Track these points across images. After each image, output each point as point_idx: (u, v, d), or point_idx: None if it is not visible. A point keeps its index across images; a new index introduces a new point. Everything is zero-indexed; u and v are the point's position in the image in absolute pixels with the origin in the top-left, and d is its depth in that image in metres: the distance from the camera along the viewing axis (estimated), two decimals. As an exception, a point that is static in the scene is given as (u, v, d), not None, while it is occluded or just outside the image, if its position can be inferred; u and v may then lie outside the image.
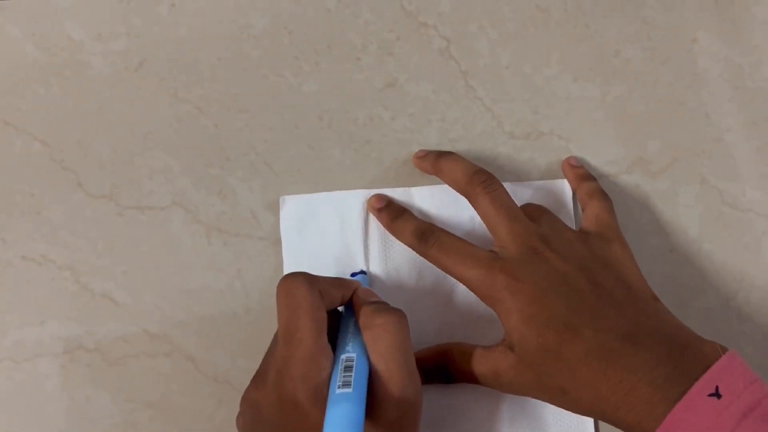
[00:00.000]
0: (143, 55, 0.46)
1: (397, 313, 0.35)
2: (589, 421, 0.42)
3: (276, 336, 0.36)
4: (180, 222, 0.44)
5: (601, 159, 0.46)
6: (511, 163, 0.46)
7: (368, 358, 0.34)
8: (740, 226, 0.45)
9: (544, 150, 0.46)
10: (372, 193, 0.44)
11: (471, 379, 0.40)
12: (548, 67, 0.47)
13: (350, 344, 0.35)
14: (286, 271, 0.44)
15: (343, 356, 0.34)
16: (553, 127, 0.46)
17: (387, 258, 0.44)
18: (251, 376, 0.43)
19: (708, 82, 0.47)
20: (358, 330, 0.36)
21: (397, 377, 0.33)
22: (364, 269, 0.44)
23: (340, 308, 0.39)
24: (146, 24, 0.46)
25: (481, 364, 0.39)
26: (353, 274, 0.43)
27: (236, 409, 0.43)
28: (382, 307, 0.36)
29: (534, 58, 0.47)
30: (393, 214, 0.43)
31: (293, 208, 0.44)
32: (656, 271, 0.44)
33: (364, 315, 0.36)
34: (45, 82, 0.46)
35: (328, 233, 0.44)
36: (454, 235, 0.41)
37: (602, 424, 0.43)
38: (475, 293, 0.39)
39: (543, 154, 0.46)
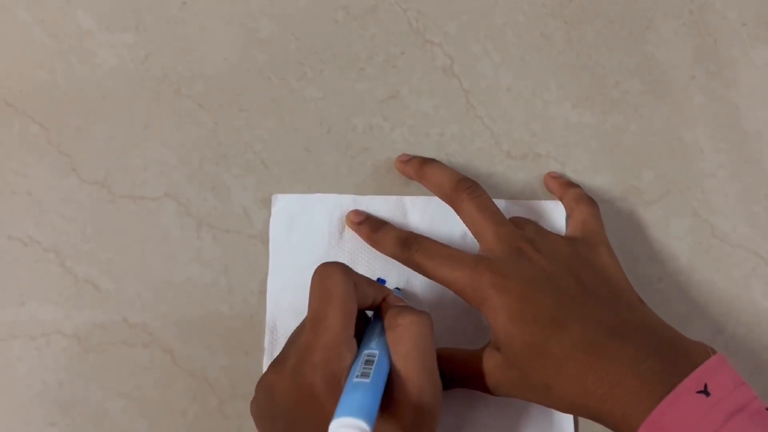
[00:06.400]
0: (150, 49, 0.46)
1: (421, 314, 0.35)
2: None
3: (302, 323, 0.36)
4: (171, 214, 0.44)
5: (595, 184, 0.46)
6: (506, 181, 0.46)
7: (390, 359, 0.34)
8: (730, 261, 0.45)
9: (539, 171, 0.46)
10: (365, 199, 0.44)
11: (458, 383, 0.39)
12: (548, 92, 0.47)
13: (374, 342, 0.34)
14: (272, 267, 0.43)
15: (366, 351, 0.33)
16: (550, 150, 0.46)
17: (373, 264, 0.43)
18: (229, 374, 0.42)
19: (704, 119, 0.47)
20: (384, 333, 0.36)
21: (415, 379, 0.33)
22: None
23: (369, 314, 0.39)
24: (156, 20, 0.47)
25: (468, 367, 0.38)
26: (380, 281, 0.43)
27: (210, 405, 0.42)
28: (407, 308, 0.36)
29: (535, 82, 0.47)
30: (373, 226, 0.43)
31: (284, 206, 0.44)
32: (645, 298, 0.43)
33: (389, 316, 0.35)
34: (50, 68, 0.46)
35: (316, 234, 0.44)
36: (436, 241, 0.40)
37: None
38: (461, 295, 0.38)
39: (538, 175, 0.46)
